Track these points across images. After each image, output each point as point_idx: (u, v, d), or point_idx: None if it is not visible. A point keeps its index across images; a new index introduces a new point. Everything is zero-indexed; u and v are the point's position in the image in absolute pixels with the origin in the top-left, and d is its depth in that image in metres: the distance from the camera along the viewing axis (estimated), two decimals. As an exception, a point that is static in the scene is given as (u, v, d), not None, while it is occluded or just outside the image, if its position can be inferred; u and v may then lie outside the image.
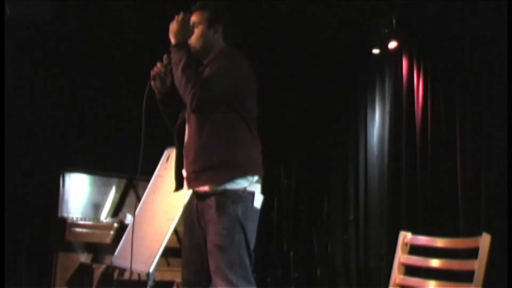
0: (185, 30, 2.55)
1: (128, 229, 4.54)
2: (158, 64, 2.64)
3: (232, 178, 2.46)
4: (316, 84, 6.52)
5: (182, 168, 2.63)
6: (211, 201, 2.47)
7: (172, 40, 2.53)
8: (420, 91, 5.50)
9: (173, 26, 2.54)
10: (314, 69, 6.44)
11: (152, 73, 2.65)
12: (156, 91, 2.68)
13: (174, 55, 2.50)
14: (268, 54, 5.74)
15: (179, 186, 2.68)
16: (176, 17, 2.54)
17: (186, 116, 2.63)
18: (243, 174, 2.48)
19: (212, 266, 2.44)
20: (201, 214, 2.53)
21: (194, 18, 2.66)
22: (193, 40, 2.63)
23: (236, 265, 2.41)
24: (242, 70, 2.56)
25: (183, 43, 2.52)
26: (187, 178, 2.53)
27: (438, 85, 5.33)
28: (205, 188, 2.50)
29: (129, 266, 3.14)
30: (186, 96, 2.44)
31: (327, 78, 6.50)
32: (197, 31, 2.64)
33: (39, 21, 4.96)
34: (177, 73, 2.47)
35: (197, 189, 2.54)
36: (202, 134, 2.49)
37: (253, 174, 2.51)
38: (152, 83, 2.66)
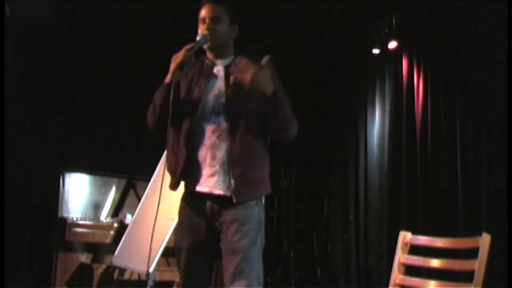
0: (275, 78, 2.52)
1: (128, 229, 4.54)
2: (185, 52, 2.47)
3: (265, 193, 2.59)
4: (316, 84, 6.52)
5: (190, 170, 2.59)
6: (235, 202, 2.48)
7: (268, 90, 2.43)
8: (420, 91, 5.50)
9: (262, 77, 2.44)
10: (314, 69, 6.43)
11: (182, 59, 2.46)
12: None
13: (278, 100, 2.47)
14: (268, 54, 5.73)
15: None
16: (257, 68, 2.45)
17: (214, 122, 2.52)
18: (269, 190, 2.61)
19: (231, 266, 2.43)
20: (216, 215, 2.51)
21: (206, 12, 2.54)
22: (215, 35, 2.54)
23: (255, 266, 2.46)
24: None
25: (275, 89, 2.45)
26: (235, 189, 2.48)
27: (438, 85, 5.33)
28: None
29: (129, 266, 3.14)
30: (288, 126, 2.57)
31: (327, 78, 6.50)
32: (217, 27, 2.54)
33: (39, 21, 4.95)
34: (283, 111, 2.52)
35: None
36: (254, 150, 2.54)
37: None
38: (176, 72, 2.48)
